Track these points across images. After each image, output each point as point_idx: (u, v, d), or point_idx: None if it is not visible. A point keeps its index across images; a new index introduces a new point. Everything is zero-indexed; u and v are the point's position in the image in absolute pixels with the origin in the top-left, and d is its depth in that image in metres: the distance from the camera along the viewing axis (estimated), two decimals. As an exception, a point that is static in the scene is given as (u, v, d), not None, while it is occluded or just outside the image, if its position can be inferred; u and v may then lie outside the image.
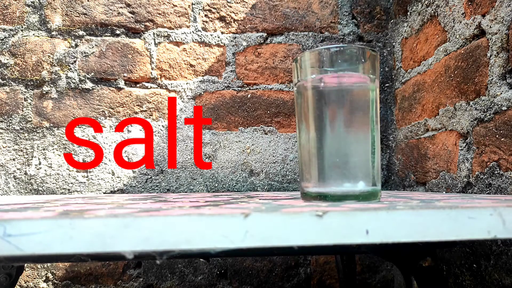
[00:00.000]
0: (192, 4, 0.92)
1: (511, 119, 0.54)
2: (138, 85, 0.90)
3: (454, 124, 0.68)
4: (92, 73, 0.89)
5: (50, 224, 0.23)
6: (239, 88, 0.92)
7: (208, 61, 0.91)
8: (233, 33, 0.92)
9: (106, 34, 0.89)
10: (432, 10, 0.75)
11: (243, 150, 0.91)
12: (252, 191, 0.89)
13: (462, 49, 0.66)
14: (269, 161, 0.91)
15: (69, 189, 0.86)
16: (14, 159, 0.86)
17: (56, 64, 0.88)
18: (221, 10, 0.92)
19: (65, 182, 0.86)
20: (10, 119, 0.86)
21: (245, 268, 0.88)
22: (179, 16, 0.91)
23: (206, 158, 0.90)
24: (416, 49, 0.83)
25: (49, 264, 0.84)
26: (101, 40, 0.89)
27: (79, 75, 0.88)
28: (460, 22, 0.66)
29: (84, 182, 0.87)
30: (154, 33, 0.90)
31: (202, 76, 0.91)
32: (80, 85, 0.88)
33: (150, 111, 0.89)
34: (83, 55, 0.89)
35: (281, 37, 0.93)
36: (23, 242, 0.23)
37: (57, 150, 0.87)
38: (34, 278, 0.84)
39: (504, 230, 0.27)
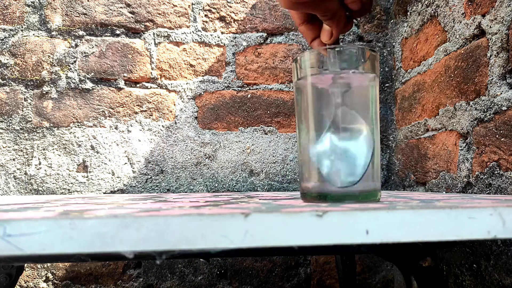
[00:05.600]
0: (192, 4, 0.92)
1: (511, 119, 0.54)
2: (138, 85, 0.90)
3: (454, 124, 0.68)
4: (92, 73, 0.89)
5: (50, 224, 0.23)
6: (239, 88, 0.92)
7: (208, 61, 0.91)
8: (233, 33, 0.92)
9: (106, 34, 0.89)
10: (432, 10, 0.75)
11: (243, 150, 0.91)
12: (252, 191, 0.89)
13: (462, 49, 0.66)
14: (269, 161, 0.91)
15: (69, 189, 0.86)
16: (14, 159, 0.86)
17: (56, 64, 0.88)
18: (221, 10, 0.92)
19: (65, 182, 0.86)
20: (10, 119, 0.86)
21: (245, 268, 0.88)
22: (179, 16, 0.91)
23: (206, 158, 0.90)
24: (416, 49, 0.83)
25: (49, 264, 0.84)
26: (101, 40, 0.89)
27: (79, 75, 0.88)
28: (460, 22, 0.66)
29: (84, 182, 0.87)
30: (154, 33, 0.90)
31: (202, 76, 0.91)
32: (80, 85, 0.88)
33: (150, 111, 0.89)
34: (83, 55, 0.89)
35: (281, 37, 0.93)
36: (23, 242, 0.23)
37: (57, 150, 0.87)
38: (34, 278, 0.84)
39: (504, 230, 0.27)
